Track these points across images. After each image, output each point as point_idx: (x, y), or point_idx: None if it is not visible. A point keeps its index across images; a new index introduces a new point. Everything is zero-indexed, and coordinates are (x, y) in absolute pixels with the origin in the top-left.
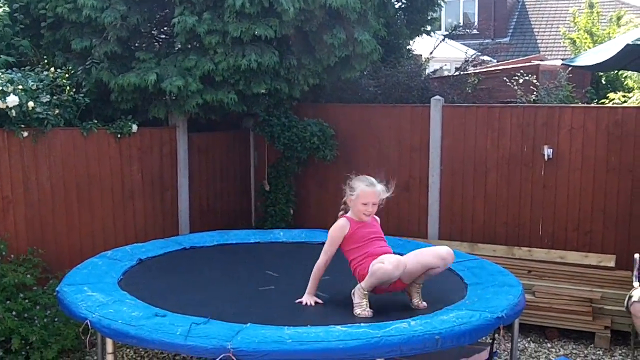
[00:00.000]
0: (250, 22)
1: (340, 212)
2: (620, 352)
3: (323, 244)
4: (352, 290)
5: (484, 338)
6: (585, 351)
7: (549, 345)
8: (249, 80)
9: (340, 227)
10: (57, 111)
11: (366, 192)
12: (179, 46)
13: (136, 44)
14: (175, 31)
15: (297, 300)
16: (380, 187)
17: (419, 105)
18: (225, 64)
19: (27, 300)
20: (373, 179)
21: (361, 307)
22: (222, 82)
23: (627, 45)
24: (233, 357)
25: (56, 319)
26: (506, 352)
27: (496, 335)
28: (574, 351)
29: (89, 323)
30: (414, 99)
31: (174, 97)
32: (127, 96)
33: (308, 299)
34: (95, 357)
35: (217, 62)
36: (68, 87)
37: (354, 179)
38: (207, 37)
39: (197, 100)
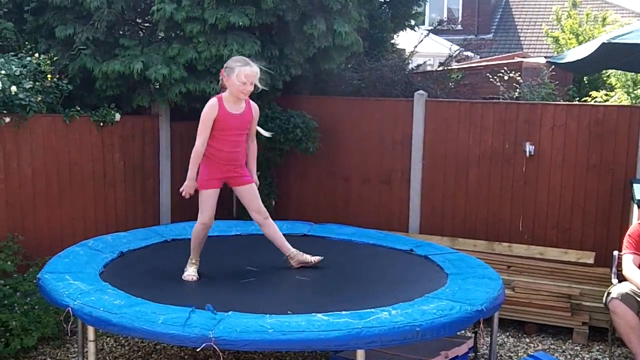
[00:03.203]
0: (227, 9)
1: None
2: (597, 348)
3: (305, 235)
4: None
5: (463, 331)
6: (564, 346)
7: (527, 340)
8: None
9: (211, 106)
10: (39, 97)
11: (244, 70)
12: (161, 35)
13: (120, 32)
14: (155, 19)
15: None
16: (257, 67)
17: (402, 100)
18: (208, 53)
19: (7, 287)
20: (248, 59)
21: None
22: (205, 71)
23: (603, 44)
24: (215, 346)
25: (36, 307)
26: (485, 346)
27: (477, 329)
28: (552, 346)
29: (70, 310)
30: (397, 93)
31: (157, 86)
32: (111, 83)
33: (188, 185)
34: (75, 345)
35: (200, 51)
36: (51, 74)
37: (229, 61)
38: (188, 25)
39: (180, 89)
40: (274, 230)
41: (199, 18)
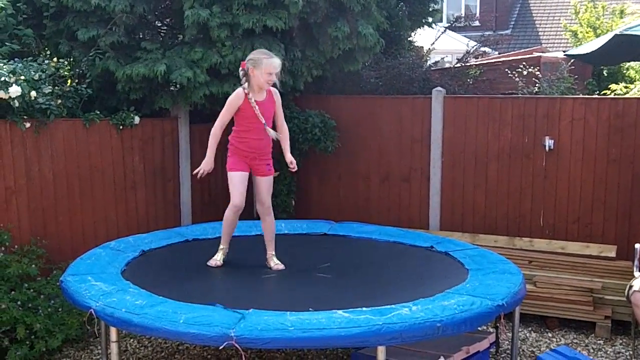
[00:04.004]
0: (260, 13)
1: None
2: (620, 341)
3: (324, 235)
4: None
5: (484, 327)
6: (586, 340)
7: (549, 334)
8: None
9: (237, 93)
10: (59, 101)
11: (271, 63)
12: (182, 37)
13: (140, 35)
14: (186, 24)
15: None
16: (278, 59)
17: (420, 97)
18: (233, 57)
19: (31, 290)
20: (269, 52)
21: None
22: (228, 74)
23: (616, 35)
24: (236, 345)
25: (60, 309)
26: (507, 342)
27: (498, 325)
28: (575, 341)
29: (93, 312)
30: (415, 90)
31: (178, 88)
32: (134, 86)
33: (204, 164)
34: (99, 347)
35: (224, 55)
36: (70, 78)
37: (252, 53)
38: (217, 30)
39: (204, 92)
40: (270, 228)
41: (228, 23)
